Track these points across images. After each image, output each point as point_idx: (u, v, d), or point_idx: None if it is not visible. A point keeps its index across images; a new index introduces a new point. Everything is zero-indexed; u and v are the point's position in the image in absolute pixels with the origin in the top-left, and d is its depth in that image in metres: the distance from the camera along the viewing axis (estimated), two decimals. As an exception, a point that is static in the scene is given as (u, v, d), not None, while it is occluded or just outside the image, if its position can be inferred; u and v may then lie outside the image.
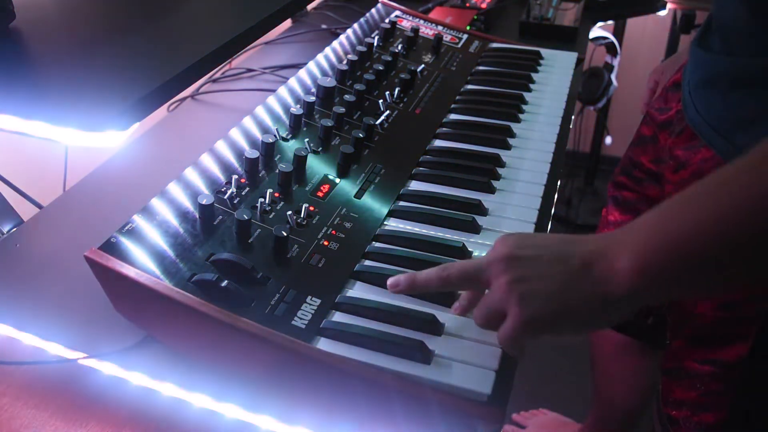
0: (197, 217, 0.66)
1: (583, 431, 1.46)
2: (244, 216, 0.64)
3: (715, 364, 0.75)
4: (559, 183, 0.86)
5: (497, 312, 0.52)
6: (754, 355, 0.70)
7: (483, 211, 0.76)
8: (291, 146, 0.79)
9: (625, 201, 1.02)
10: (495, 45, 1.20)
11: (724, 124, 0.69)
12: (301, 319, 0.59)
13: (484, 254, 0.69)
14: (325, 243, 0.67)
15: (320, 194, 0.73)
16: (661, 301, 0.66)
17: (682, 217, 0.46)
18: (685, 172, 0.76)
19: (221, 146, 0.76)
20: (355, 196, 0.75)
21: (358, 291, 0.64)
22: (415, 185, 0.81)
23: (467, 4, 1.45)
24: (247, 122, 0.81)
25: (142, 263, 0.59)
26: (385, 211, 0.75)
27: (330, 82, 0.89)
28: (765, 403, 0.73)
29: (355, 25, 1.11)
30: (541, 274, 0.50)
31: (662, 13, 1.67)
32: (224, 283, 0.58)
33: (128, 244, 0.61)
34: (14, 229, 0.81)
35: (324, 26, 1.41)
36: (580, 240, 0.51)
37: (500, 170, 0.84)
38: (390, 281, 0.60)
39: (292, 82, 0.91)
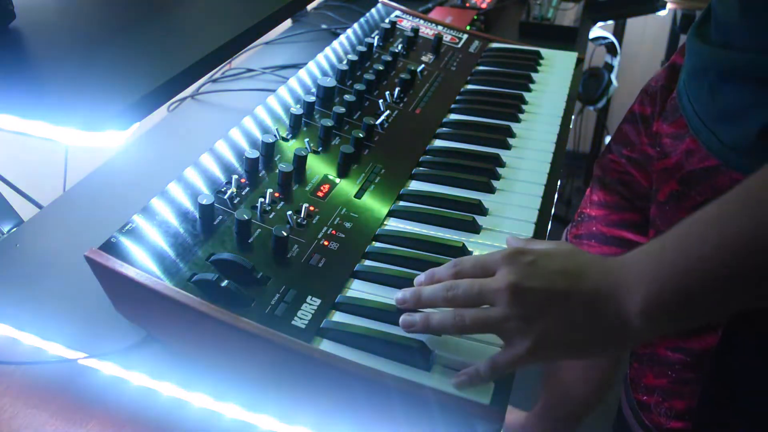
0: (197, 217, 0.66)
1: (529, 419, 1.45)
2: (244, 216, 0.64)
3: (686, 353, 0.75)
4: (559, 183, 0.86)
5: (492, 331, 0.53)
6: (722, 346, 0.71)
7: (483, 211, 0.76)
8: (291, 146, 0.79)
9: (611, 181, 1.00)
10: (495, 45, 1.20)
11: (710, 115, 0.69)
12: (301, 319, 0.59)
13: (478, 253, 0.69)
14: (325, 243, 0.67)
15: (320, 194, 0.73)
16: (681, 329, 0.67)
17: (683, 254, 0.47)
18: (668, 161, 0.76)
19: (221, 146, 0.76)
20: (355, 196, 0.75)
21: (358, 291, 0.64)
22: (415, 185, 0.81)
23: (467, 4, 1.45)
24: (247, 122, 0.81)
25: (142, 263, 0.59)
26: (385, 211, 0.75)
27: (330, 82, 0.89)
28: (731, 395, 0.73)
29: (355, 25, 1.11)
30: (549, 313, 0.50)
31: (662, 13, 1.67)
32: (224, 283, 0.58)
33: (128, 244, 0.61)
34: (14, 229, 0.81)
35: (324, 26, 1.41)
36: (586, 273, 0.51)
37: (500, 170, 0.84)
38: (397, 297, 0.59)
39: (292, 82, 0.91)
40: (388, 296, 0.63)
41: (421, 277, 0.60)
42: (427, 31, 1.16)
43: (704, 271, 0.46)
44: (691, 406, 0.75)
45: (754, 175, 0.46)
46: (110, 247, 0.60)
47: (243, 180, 0.72)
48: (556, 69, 1.13)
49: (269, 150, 0.75)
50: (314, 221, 0.70)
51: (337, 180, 0.76)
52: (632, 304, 0.48)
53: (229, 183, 0.71)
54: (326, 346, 0.57)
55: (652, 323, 0.48)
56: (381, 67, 0.97)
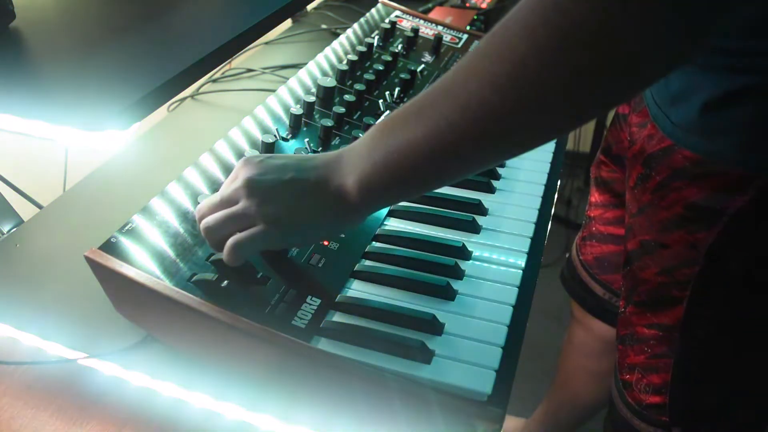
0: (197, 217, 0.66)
1: (529, 425, 1.45)
2: (244, 216, 0.64)
3: (659, 328, 0.78)
4: (559, 183, 0.86)
5: (237, 221, 0.59)
6: (687, 319, 0.75)
7: (483, 211, 0.76)
8: (291, 146, 0.79)
9: (603, 181, 1.03)
10: (495, 45, 1.20)
11: (663, 99, 0.74)
12: (301, 319, 0.59)
13: (478, 253, 0.69)
14: (325, 243, 0.67)
15: (320, 194, 0.73)
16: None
17: (399, 135, 0.52)
18: (635, 147, 0.80)
19: (221, 146, 0.76)
20: (355, 196, 0.75)
21: (358, 291, 0.64)
22: (415, 185, 0.81)
23: (467, 4, 1.45)
24: (247, 122, 0.81)
25: (142, 263, 0.59)
26: (385, 210, 0.75)
27: (330, 82, 0.89)
28: (701, 366, 0.77)
29: (355, 25, 1.11)
30: (279, 198, 0.57)
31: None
32: (224, 283, 0.58)
33: (128, 244, 0.61)
34: (14, 229, 0.81)
35: (324, 26, 1.41)
36: (315, 163, 0.58)
37: (500, 170, 0.84)
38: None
39: (292, 82, 0.91)
40: (388, 296, 0.63)
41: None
42: (427, 31, 1.16)
43: (407, 150, 0.51)
44: (666, 380, 0.77)
45: (451, 69, 0.50)
46: (110, 247, 0.60)
47: (243, 180, 0.72)
48: (556, 69, 1.13)
49: (269, 150, 0.75)
50: (314, 221, 0.69)
51: (337, 180, 0.76)
52: (349, 183, 0.55)
53: (229, 183, 0.71)
54: (326, 345, 0.57)
55: (369, 196, 0.55)
56: (381, 67, 0.97)
